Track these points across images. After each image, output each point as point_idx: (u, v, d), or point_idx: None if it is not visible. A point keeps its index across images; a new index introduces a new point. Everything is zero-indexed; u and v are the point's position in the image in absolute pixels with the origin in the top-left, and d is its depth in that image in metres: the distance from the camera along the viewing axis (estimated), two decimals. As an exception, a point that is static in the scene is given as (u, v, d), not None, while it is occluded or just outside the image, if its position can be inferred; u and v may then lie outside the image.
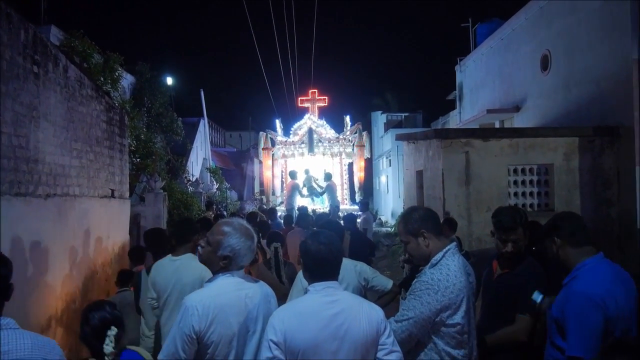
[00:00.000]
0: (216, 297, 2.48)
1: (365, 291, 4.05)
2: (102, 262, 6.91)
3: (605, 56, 8.17)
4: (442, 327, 2.51)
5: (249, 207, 18.18)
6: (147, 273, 4.46)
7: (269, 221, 8.94)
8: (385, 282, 4.13)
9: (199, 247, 2.71)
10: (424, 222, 2.67)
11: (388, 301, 4.13)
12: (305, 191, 16.30)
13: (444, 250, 2.62)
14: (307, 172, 16.57)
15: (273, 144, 18.79)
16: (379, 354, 2.33)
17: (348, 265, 3.92)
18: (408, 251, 2.76)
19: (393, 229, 17.25)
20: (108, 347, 2.44)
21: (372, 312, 2.37)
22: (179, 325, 2.44)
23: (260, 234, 6.21)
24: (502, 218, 3.16)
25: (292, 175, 16.04)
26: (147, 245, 5.06)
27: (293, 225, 8.34)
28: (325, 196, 15.95)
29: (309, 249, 2.42)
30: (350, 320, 2.28)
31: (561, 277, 4.63)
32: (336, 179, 18.26)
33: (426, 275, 2.59)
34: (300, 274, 3.97)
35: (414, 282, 2.66)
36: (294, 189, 15.45)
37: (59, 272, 5.82)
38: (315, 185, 16.42)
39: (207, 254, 2.65)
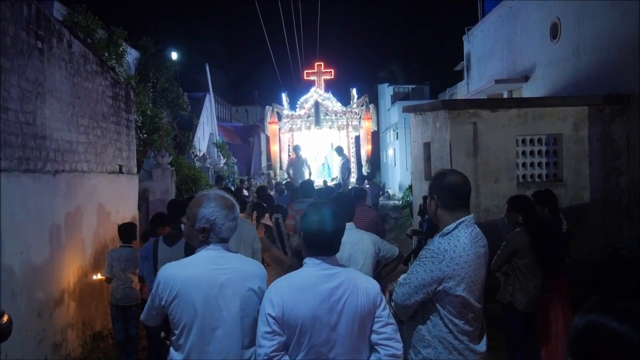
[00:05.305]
0: (184, 270, 2.41)
1: (378, 259, 4.13)
2: (112, 237, 6.97)
3: (616, 23, 8.01)
4: (445, 296, 2.51)
5: (257, 181, 18.22)
6: (164, 241, 4.54)
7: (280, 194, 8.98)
8: (394, 250, 4.31)
9: (182, 224, 2.63)
10: (440, 190, 2.63)
11: (395, 267, 4.28)
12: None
13: (457, 221, 2.57)
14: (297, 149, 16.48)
15: (279, 118, 18.72)
16: (375, 326, 2.32)
17: (364, 236, 4.07)
18: (427, 205, 2.77)
19: (400, 201, 17.27)
20: None
21: (368, 285, 2.34)
22: (151, 293, 2.46)
23: (265, 209, 6.28)
24: None
25: (297, 150, 16.06)
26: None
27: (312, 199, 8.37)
28: (333, 169, 15.96)
29: (313, 223, 2.32)
30: (348, 294, 2.24)
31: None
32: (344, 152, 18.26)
33: (434, 244, 2.58)
34: None
35: (422, 249, 2.66)
36: (300, 163, 15.46)
37: (69, 248, 5.89)
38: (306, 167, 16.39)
39: (186, 229, 2.56)
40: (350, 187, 12.41)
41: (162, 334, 2.53)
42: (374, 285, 2.36)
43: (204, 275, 2.37)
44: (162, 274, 2.39)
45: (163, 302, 2.36)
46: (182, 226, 2.63)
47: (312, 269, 2.30)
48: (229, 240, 2.52)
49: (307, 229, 2.34)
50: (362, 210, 6.49)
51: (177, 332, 2.38)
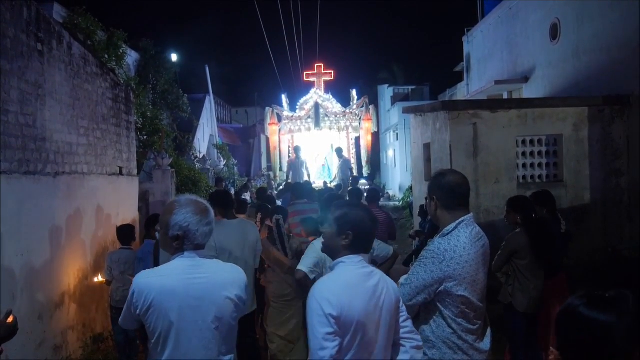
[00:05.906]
0: (158, 279, 2.32)
1: (372, 259, 4.13)
2: (112, 239, 6.96)
3: (616, 23, 8.02)
4: (447, 296, 2.52)
5: (257, 183, 18.21)
6: None
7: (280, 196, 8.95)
8: (388, 249, 4.35)
9: (157, 232, 2.58)
10: (439, 191, 2.64)
11: (390, 266, 4.26)
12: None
13: (457, 221, 2.58)
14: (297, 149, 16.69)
15: (279, 119, 18.71)
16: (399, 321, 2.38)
17: None
18: (427, 206, 2.80)
19: (401, 202, 17.27)
20: None
21: (392, 281, 2.41)
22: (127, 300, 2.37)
23: (268, 210, 6.25)
24: None
25: (297, 151, 16.09)
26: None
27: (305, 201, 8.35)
28: (333, 170, 16.02)
29: (365, 223, 2.34)
30: (385, 291, 2.28)
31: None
32: (343, 154, 18.27)
33: (434, 244, 2.59)
34: (313, 245, 4.08)
35: (423, 249, 2.66)
36: (300, 164, 15.52)
37: (69, 250, 5.88)
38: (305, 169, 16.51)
39: (160, 237, 2.46)
40: (349, 188, 12.39)
41: (138, 342, 2.49)
42: (394, 282, 2.43)
43: (179, 285, 2.29)
44: (137, 283, 2.32)
45: (138, 312, 2.29)
46: (157, 234, 2.54)
47: (353, 267, 2.29)
48: (205, 246, 2.43)
49: (359, 226, 2.32)
50: (374, 212, 6.47)
51: (153, 341, 2.32)
